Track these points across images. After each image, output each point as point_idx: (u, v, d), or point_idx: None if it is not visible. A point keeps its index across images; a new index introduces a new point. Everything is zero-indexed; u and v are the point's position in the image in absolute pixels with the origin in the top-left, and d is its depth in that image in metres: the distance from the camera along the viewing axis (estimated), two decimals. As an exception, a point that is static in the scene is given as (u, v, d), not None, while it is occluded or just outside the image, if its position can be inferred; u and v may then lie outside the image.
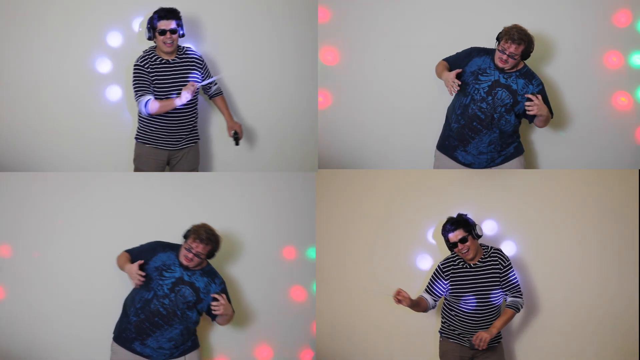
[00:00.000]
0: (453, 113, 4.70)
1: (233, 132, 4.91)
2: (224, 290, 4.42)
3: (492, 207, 4.65)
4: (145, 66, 4.75)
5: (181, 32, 4.75)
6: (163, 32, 4.70)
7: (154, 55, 4.77)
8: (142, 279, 4.25)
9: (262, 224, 4.81)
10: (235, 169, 5.15)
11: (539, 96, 4.52)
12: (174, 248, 4.40)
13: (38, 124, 5.06)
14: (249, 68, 5.11)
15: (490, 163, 4.70)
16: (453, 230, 4.34)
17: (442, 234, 4.40)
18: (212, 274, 4.42)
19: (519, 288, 4.39)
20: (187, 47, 4.86)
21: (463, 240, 4.33)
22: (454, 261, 4.43)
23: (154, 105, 4.68)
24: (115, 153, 5.09)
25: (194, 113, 4.87)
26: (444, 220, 4.41)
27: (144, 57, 4.78)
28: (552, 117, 4.63)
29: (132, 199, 4.77)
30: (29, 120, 5.06)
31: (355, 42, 5.08)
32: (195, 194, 4.80)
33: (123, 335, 4.38)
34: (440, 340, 4.51)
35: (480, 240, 4.42)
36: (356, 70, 5.09)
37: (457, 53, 4.69)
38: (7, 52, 5.03)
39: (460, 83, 4.51)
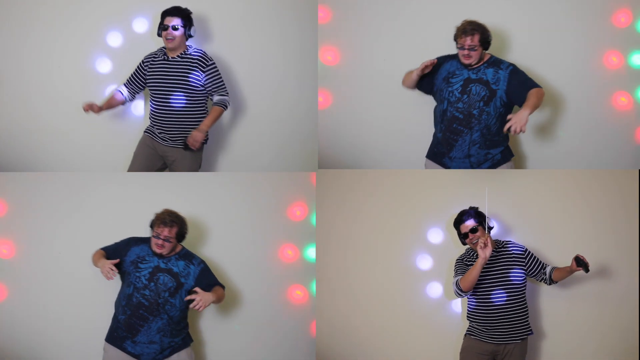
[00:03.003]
0: (437, 123, 4.75)
1: (189, 137, 4.78)
2: (204, 269, 4.43)
3: (492, 207, 4.64)
4: (145, 63, 4.87)
5: (187, 32, 4.79)
6: (165, 28, 4.76)
7: (161, 52, 4.86)
8: (114, 274, 4.25)
9: (262, 224, 4.81)
10: (236, 169, 5.15)
11: (510, 117, 4.40)
12: (147, 240, 4.43)
13: (38, 124, 5.07)
14: (249, 68, 5.11)
15: (476, 168, 4.70)
16: (464, 221, 4.39)
17: (454, 225, 4.46)
18: (188, 256, 4.44)
19: (542, 261, 4.46)
20: (196, 49, 4.86)
21: (473, 231, 4.37)
22: (468, 255, 4.48)
23: (111, 94, 4.94)
24: (115, 153, 5.09)
25: (191, 116, 4.84)
26: (450, 218, 4.49)
27: (150, 54, 4.89)
28: (541, 88, 4.54)
29: (133, 199, 4.77)
30: (29, 120, 5.07)
31: (355, 42, 5.08)
32: (195, 194, 4.80)
33: (115, 334, 4.39)
34: (464, 338, 4.52)
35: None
36: (356, 70, 5.09)
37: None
38: (7, 53, 5.04)
39: (435, 61, 4.58)
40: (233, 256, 4.78)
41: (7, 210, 4.76)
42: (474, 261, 4.39)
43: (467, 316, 4.49)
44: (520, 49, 4.93)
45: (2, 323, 4.73)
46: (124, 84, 4.94)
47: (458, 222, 4.44)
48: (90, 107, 4.80)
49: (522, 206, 4.71)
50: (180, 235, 4.41)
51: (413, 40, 5.02)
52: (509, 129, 4.35)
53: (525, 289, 4.43)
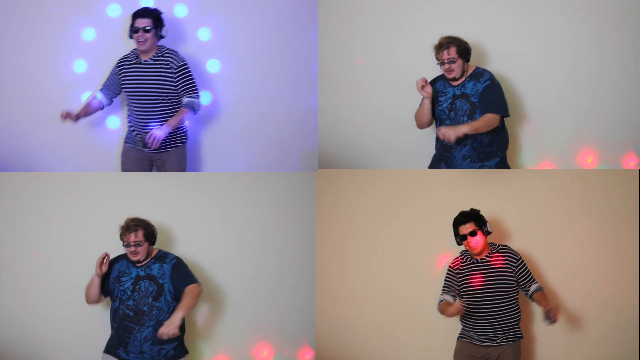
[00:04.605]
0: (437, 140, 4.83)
1: (148, 135, 4.73)
2: (176, 264, 4.41)
3: (492, 206, 4.64)
4: (119, 66, 4.85)
5: (158, 32, 4.77)
6: (136, 30, 4.73)
7: (134, 55, 4.84)
8: (104, 258, 4.33)
9: (262, 224, 4.81)
10: (235, 169, 5.15)
11: (441, 128, 4.51)
12: (124, 256, 4.45)
13: (38, 124, 5.08)
14: (249, 68, 5.12)
15: None
16: (464, 223, 4.38)
17: (453, 225, 4.43)
18: (163, 257, 4.44)
19: (533, 276, 4.42)
20: (168, 50, 4.84)
21: (473, 234, 4.36)
22: (462, 259, 4.46)
23: (89, 99, 4.89)
24: (115, 153, 5.09)
25: (150, 115, 4.82)
26: (449, 219, 4.45)
27: (124, 56, 4.86)
28: (497, 116, 4.56)
29: (133, 199, 4.77)
30: (29, 120, 5.08)
31: (355, 42, 5.08)
32: (195, 195, 4.80)
33: (110, 343, 4.43)
34: (457, 341, 4.52)
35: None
36: (355, 70, 5.09)
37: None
38: (8, 52, 5.04)
39: (427, 82, 4.63)
40: (233, 256, 4.78)
41: (7, 211, 4.75)
42: (466, 273, 4.39)
43: (460, 319, 4.49)
44: (521, 49, 4.93)
45: (2, 323, 4.72)
46: (100, 90, 4.90)
47: (458, 222, 4.42)
48: (67, 116, 4.76)
49: (521, 206, 4.71)
50: (149, 235, 4.40)
51: (413, 40, 5.01)
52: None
53: (516, 294, 4.41)
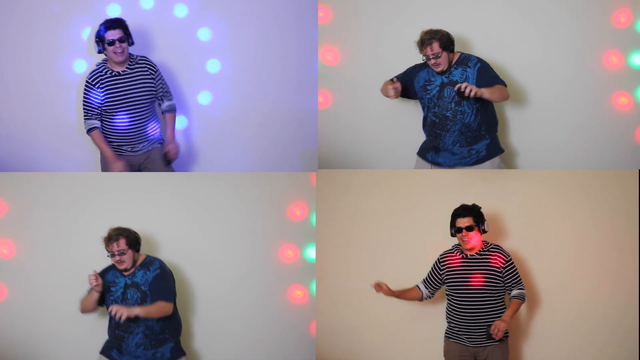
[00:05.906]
0: (423, 129, 4.82)
1: (165, 152, 4.92)
2: (158, 275, 4.40)
3: (491, 207, 4.64)
4: (95, 84, 4.80)
5: (130, 40, 4.78)
6: (112, 43, 4.73)
7: (105, 69, 4.81)
8: (95, 277, 4.33)
9: (262, 224, 4.81)
10: (236, 169, 5.15)
11: (462, 84, 4.51)
12: (114, 265, 4.44)
13: (37, 124, 5.08)
14: (249, 68, 5.12)
15: (463, 166, 4.75)
16: (464, 216, 4.38)
17: (452, 216, 4.42)
18: (148, 265, 4.44)
19: (521, 280, 4.40)
20: (139, 57, 4.86)
21: (469, 228, 4.36)
22: (452, 253, 4.46)
23: (94, 137, 4.82)
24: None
25: (145, 120, 4.86)
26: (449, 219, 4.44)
27: (94, 72, 4.82)
28: (506, 87, 4.63)
29: (133, 199, 4.77)
30: (28, 120, 5.07)
31: (355, 42, 5.08)
32: (195, 195, 4.80)
33: (106, 345, 4.48)
34: (444, 341, 4.51)
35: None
36: (356, 70, 5.09)
37: (403, 72, 4.77)
38: (9, 52, 5.05)
39: (399, 83, 4.64)
40: (233, 256, 4.78)
41: (7, 210, 4.76)
42: (455, 261, 4.40)
43: (446, 316, 4.48)
44: (521, 49, 4.94)
45: (2, 323, 4.72)
46: (93, 119, 4.82)
47: (457, 214, 4.40)
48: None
49: (520, 206, 4.71)
50: (133, 242, 4.40)
51: (413, 40, 5.01)
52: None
53: (504, 294, 4.40)
